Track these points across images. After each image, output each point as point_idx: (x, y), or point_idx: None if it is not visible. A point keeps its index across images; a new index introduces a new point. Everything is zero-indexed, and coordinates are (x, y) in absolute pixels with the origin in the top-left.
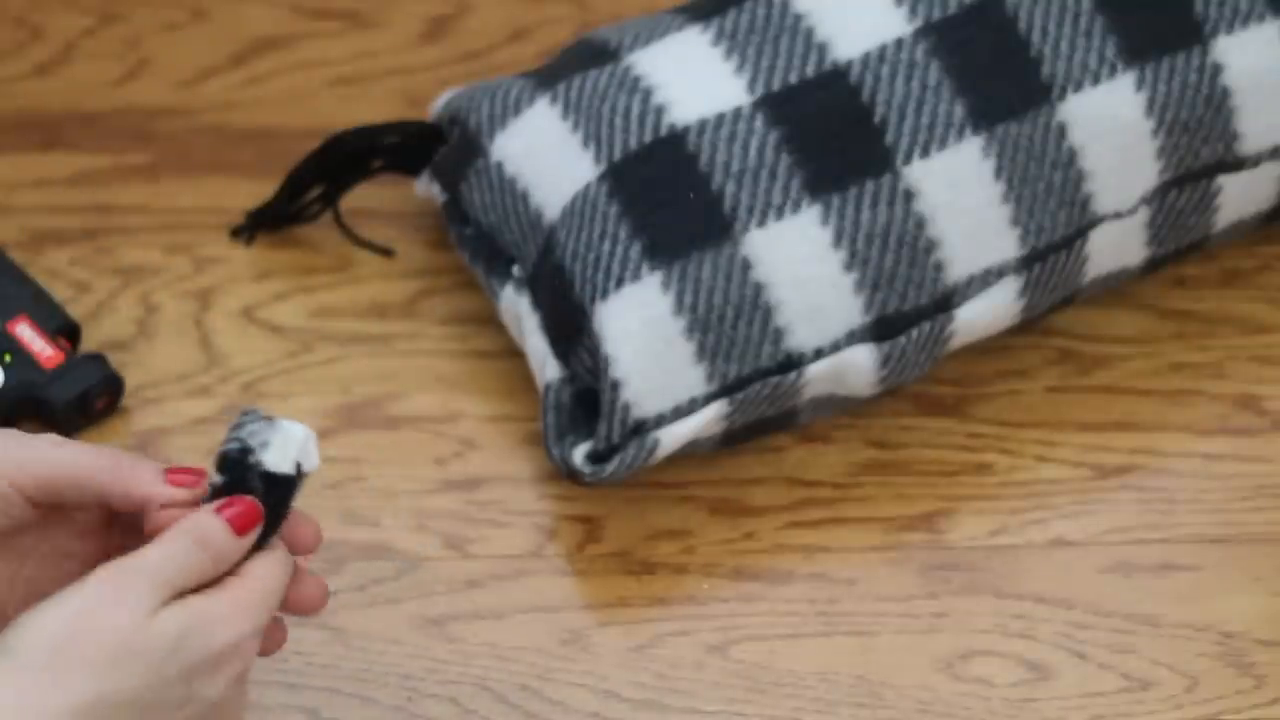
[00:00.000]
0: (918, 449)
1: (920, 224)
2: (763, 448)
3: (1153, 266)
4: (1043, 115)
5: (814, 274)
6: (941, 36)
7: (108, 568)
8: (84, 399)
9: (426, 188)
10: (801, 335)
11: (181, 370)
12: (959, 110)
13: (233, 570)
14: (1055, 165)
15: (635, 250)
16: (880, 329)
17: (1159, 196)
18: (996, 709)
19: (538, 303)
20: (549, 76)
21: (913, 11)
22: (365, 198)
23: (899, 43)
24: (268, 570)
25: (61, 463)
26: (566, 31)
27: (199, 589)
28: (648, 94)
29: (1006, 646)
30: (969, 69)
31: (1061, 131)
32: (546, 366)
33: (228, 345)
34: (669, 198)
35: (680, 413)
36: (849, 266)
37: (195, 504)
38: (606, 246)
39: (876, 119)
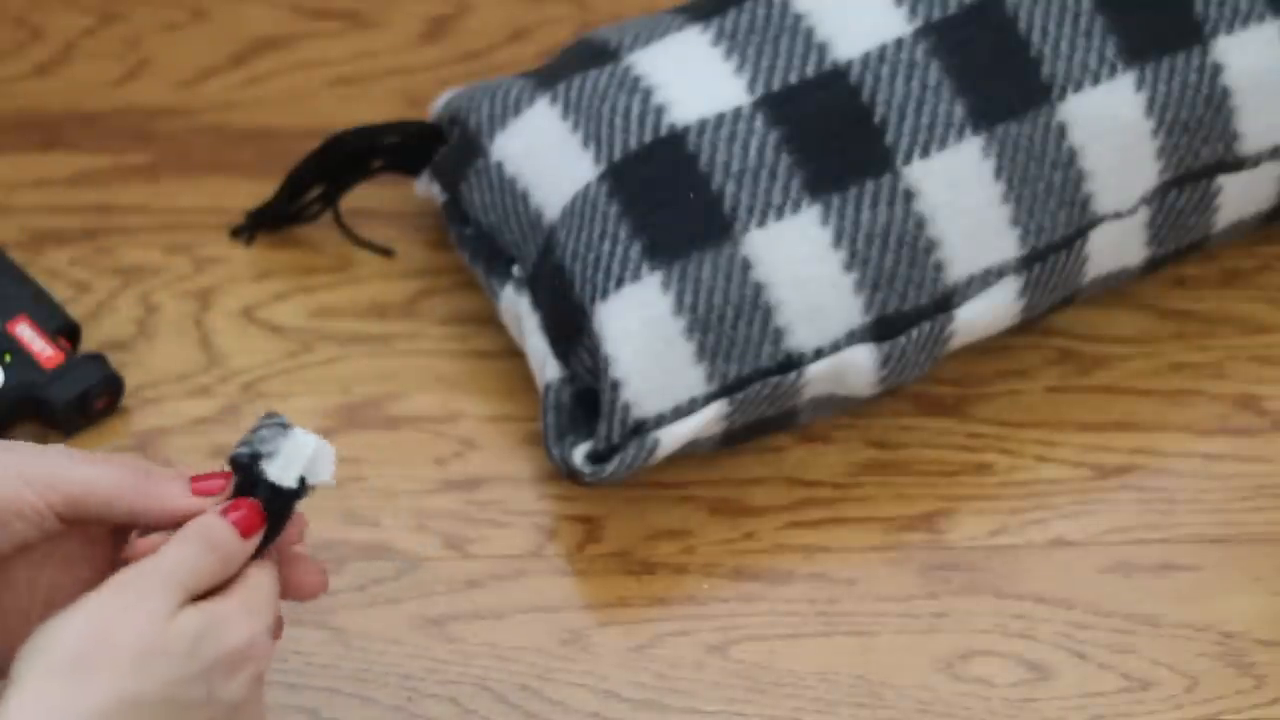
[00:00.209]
0: (918, 449)
1: (920, 224)
2: (763, 448)
3: (1153, 266)
4: (1043, 115)
5: (814, 274)
6: (941, 36)
7: (125, 573)
8: (84, 399)
9: (426, 188)
10: (801, 335)
11: (181, 370)
12: (959, 110)
13: (237, 573)
14: (1055, 165)
15: (635, 250)
16: (880, 329)
17: (1159, 196)
18: (996, 709)
19: (538, 303)
20: (549, 76)
21: (913, 11)
22: (365, 198)
23: (899, 43)
24: (265, 575)
25: (91, 481)
26: (566, 31)
27: (210, 592)
28: (648, 94)
29: (1006, 646)
30: (969, 69)
31: (1061, 131)
32: (546, 366)
33: (228, 345)
34: (669, 198)
35: (680, 413)
36: (849, 266)
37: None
38: (606, 246)
39: (876, 119)
